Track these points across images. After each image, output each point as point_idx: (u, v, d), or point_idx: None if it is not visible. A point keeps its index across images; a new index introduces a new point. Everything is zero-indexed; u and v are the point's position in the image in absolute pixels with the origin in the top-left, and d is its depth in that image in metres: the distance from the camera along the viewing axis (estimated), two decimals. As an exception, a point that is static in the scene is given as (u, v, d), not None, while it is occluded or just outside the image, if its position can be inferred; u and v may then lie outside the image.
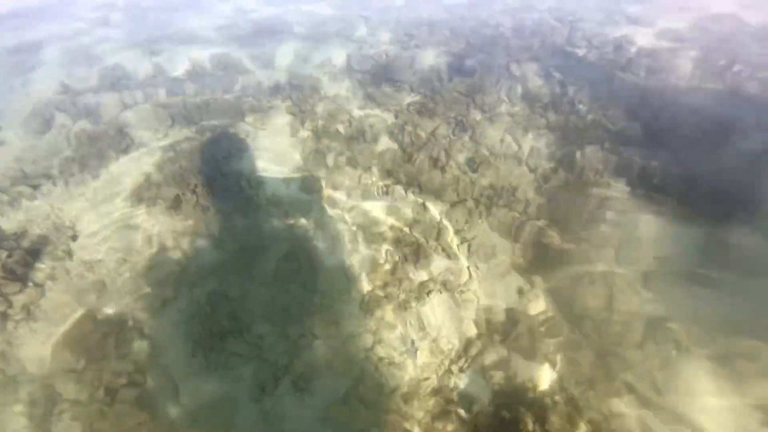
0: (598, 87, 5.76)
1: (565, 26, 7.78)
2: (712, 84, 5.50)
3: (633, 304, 3.39)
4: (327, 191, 4.59)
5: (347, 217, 4.31)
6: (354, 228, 4.18)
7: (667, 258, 3.64)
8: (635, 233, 3.87)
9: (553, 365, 3.12)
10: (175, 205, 4.32)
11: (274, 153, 5.14)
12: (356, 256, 3.93)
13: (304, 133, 5.46)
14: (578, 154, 4.68)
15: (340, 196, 4.54)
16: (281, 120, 5.72)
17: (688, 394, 2.83)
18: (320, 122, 5.63)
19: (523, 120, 5.35)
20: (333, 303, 3.55)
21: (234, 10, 10.08)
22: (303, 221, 4.25)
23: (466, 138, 5.17)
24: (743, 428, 2.65)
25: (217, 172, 4.78)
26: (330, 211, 4.37)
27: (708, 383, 2.86)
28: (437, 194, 4.47)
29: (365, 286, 3.70)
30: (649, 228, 3.89)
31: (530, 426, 2.75)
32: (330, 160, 4.99)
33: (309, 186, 4.63)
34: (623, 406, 2.85)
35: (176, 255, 3.91)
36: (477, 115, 5.54)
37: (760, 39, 6.51)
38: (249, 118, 5.76)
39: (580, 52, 6.82)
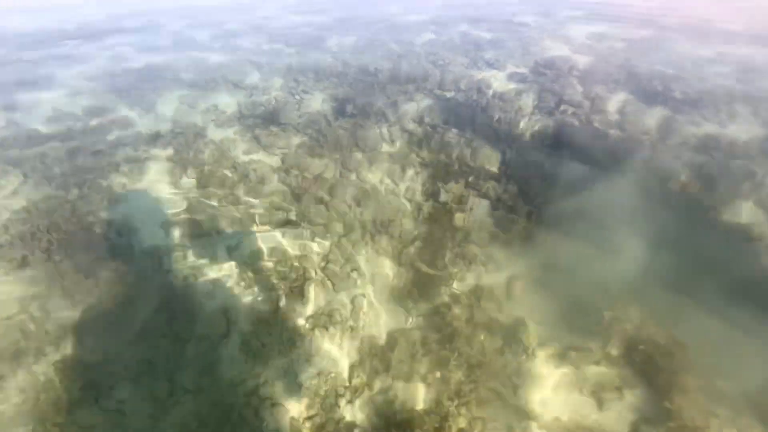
0: (464, 126, 6.59)
1: (438, 70, 8.84)
2: (547, 121, 6.65)
3: (493, 314, 3.81)
4: (210, 233, 4.50)
5: (231, 257, 4.25)
6: (238, 268, 4.13)
7: (520, 270, 4.19)
8: (493, 253, 4.40)
9: (428, 384, 3.32)
10: (22, 265, 3.85)
11: (151, 201, 4.91)
12: (239, 296, 3.86)
13: (187, 180, 5.32)
14: (446, 188, 5.25)
15: (223, 236, 4.47)
16: (161, 168, 5.51)
17: (535, 390, 3.22)
18: (205, 168, 5.55)
19: (400, 158, 5.87)
20: (210, 350, 3.42)
21: (112, 58, 9.61)
22: (180, 267, 4.08)
23: (351, 176, 5.51)
24: (580, 414, 3.06)
25: (79, 226, 4.40)
26: (212, 253, 4.27)
27: (548, 378, 3.29)
28: (325, 228, 4.64)
29: (247, 327, 3.63)
30: (505, 247, 4.46)
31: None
32: (215, 202, 4.92)
33: (189, 230, 4.49)
34: (491, 412, 3.13)
35: (21, 322, 3.45)
36: (359, 155, 5.95)
37: (581, 79, 8.08)
38: (124, 168, 5.45)
39: (449, 93, 7.78)
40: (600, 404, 3.03)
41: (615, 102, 7.07)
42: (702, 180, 5.03)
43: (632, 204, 4.78)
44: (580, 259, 4.15)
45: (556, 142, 6.09)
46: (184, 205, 4.87)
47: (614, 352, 3.26)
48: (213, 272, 4.08)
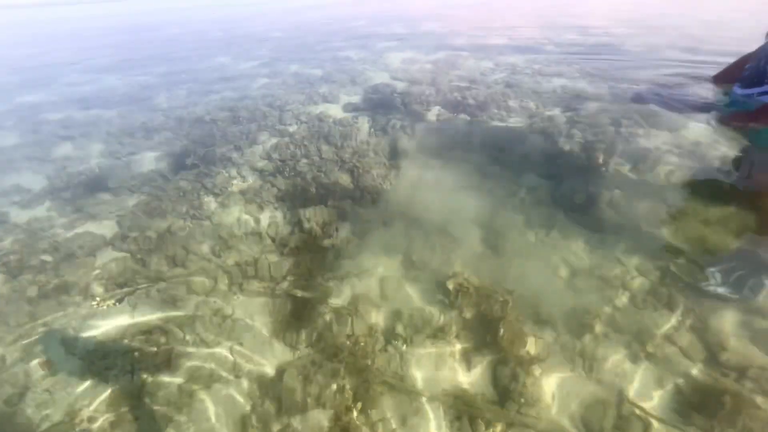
0: (312, 155, 6.93)
1: (276, 110, 9.11)
2: (382, 137, 7.52)
3: (373, 317, 4.09)
4: (35, 335, 3.72)
5: (71, 351, 3.60)
6: (80, 365, 3.51)
7: (388, 272, 4.60)
8: (363, 262, 4.72)
9: (323, 405, 3.37)
10: None
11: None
12: (84, 395, 3.29)
13: (-13, 280, 4.32)
14: (306, 214, 5.44)
15: (52, 335, 3.75)
16: (-57, 275, 4.34)
17: (418, 374, 3.57)
18: (12, 257, 4.58)
19: (255, 196, 5.86)
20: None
21: None
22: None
23: (204, 226, 5.24)
24: (457, 379, 3.51)
25: None
26: (44, 356, 3.54)
27: (427, 358, 3.69)
28: (186, 289, 4.30)
29: (107, 424, 3.12)
30: (371, 254, 4.84)
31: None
32: (33, 293, 4.10)
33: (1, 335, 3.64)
34: (386, 408, 3.34)
35: None
36: (210, 203, 5.72)
37: (403, 98, 9.35)
38: None
39: (292, 128, 8.09)
40: (468, 365, 3.53)
41: (432, 114, 8.40)
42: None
43: (450, 187, 5.72)
44: (427, 246, 4.77)
45: (394, 153, 6.91)
46: (-12, 310, 3.94)
47: (468, 316, 3.84)
48: (43, 378, 3.40)
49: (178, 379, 3.50)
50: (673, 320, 3.68)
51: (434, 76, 11.01)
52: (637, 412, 3.03)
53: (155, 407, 3.27)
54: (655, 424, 2.95)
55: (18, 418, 3.16)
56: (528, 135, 7.13)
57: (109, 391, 3.35)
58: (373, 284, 4.43)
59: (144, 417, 3.19)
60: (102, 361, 3.55)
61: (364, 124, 8.08)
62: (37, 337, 3.76)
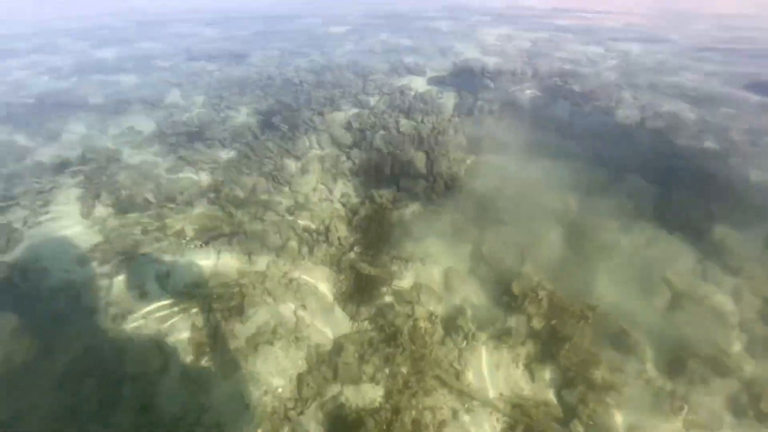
0: (389, 127, 6.81)
1: (360, 78, 9.05)
2: (468, 119, 7.11)
3: (433, 306, 3.98)
4: (135, 263, 4.19)
5: (161, 285, 4.00)
6: (170, 296, 3.90)
7: (454, 262, 4.42)
8: (428, 248, 4.58)
9: (377, 382, 3.39)
10: None
11: (60, 235, 4.47)
12: (174, 325, 3.65)
13: (102, 209, 4.92)
14: (379, 190, 5.39)
15: (150, 264, 4.19)
16: (70, 198, 5.04)
17: (475, 374, 3.42)
18: (122, 193, 5.17)
19: (332, 165, 5.93)
20: (147, 388, 3.20)
21: (4, 84, 8.63)
22: (103, 303, 3.76)
23: (283, 189, 5.45)
24: (518, 387, 3.31)
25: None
26: (140, 283, 3.98)
27: (487, 359, 3.51)
28: (261, 243, 4.53)
29: (185, 357, 3.45)
30: (438, 240, 4.67)
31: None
32: (137, 228, 4.60)
33: (110, 262, 4.15)
34: (438, 399, 3.27)
35: None
36: (291, 166, 5.90)
37: (494, 78, 8.73)
38: (24, 201, 4.90)
39: (374, 99, 7.99)
40: (532, 376, 3.30)
41: (526, 97, 7.74)
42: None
43: (547, 185, 5.25)
44: (501, 240, 4.47)
45: (477, 136, 6.52)
46: (100, 237, 4.50)
47: (537, 326, 3.56)
48: (142, 304, 3.82)
49: (247, 329, 3.73)
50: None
51: (532, 56, 10.11)
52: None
53: (225, 351, 3.53)
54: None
55: (120, 334, 3.60)
56: (639, 132, 6.26)
57: (189, 325, 3.68)
58: (437, 273, 4.29)
59: (216, 358, 3.46)
60: (186, 299, 3.90)
61: (448, 100, 7.71)
62: (136, 267, 4.22)
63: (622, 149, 5.86)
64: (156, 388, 3.22)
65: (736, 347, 3.26)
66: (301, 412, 3.23)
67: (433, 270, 4.34)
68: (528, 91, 8.02)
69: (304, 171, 5.78)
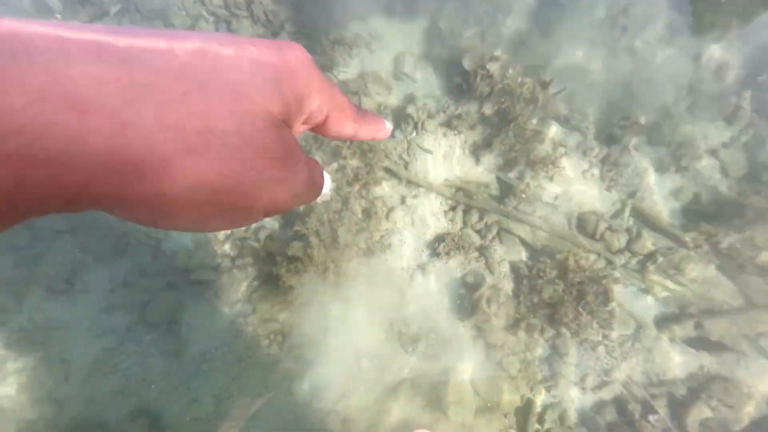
0: None
1: None
2: None
3: (382, 97, 3.67)
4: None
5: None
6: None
7: (406, 45, 3.82)
8: (376, 27, 3.86)
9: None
10: None
11: None
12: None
13: None
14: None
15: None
16: None
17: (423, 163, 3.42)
18: None
19: None
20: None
21: None
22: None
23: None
24: (463, 171, 3.37)
25: None
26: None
27: (435, 147, 3.45)
28: (163, 21, 3.76)
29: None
30: (388, 19, 3.90)
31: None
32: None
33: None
34: (386, 189, 3.39)
35: None
36: None
37: None
38: None
39: None
40: (477, 160, 3.34)
41: None
42: None
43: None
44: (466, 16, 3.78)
45: None
46: None
47: (488, 111, 3.37)
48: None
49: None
50: (729, 134, 3.16)
51: None
52: (636, 220, 3.00)
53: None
54: (648, 233, 2.94)
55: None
56: None
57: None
58: (387, 60, 3.79)
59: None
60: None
61: None
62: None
63: None
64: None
65: (678, 106, 3.20)
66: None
67: (382, 55, 3.82)
68: None
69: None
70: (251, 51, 0.31)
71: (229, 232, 2.93)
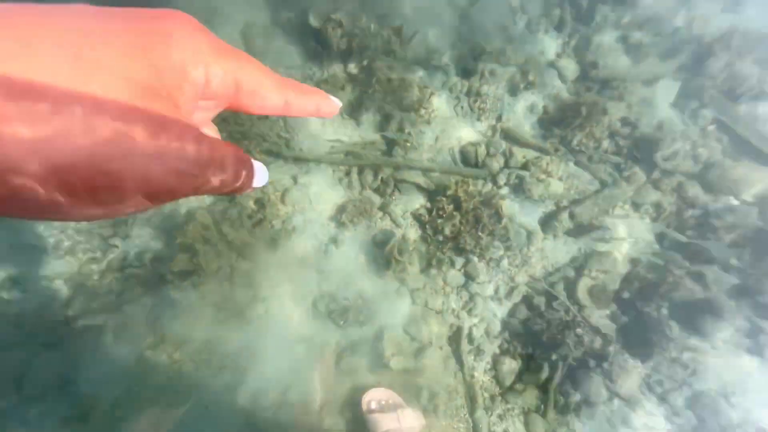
0: None
1: None
2: None
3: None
4: None
5: None
6: None
7: (252, 15, 3.52)
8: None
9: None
10: None
11: None
12: None
13: None
14: None
15: None
16: None
17: (305, 136, 3.30)
18: None
19: None
20: None
21: None
22: None
23: None
24: (347, 135, 3.33)
25: None
26: None
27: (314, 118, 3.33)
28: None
29: None
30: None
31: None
32: None
33: None
34: (274, 172, 3.21)
35: None
36: None
37: None
38: None
39: None
40: (357, 122, 3.32)
41: None
42: None
43: None
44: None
45: None
46: None
47: (353, 70, 3.33)
48: None
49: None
50: (561, 41, 3.59)
51: None
52: (506, 140, 3.31)
53: None
54: (519, 149, 3.28)
55: None
56: None
57: None
58: (235, 35, 3.48)
59: None
60: None
61: None
62: None
63: None
64: None
65: (517, 27, 3.53)
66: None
67: (227, 31, 3.49)
68: None
69: None
70: (117, 19, 0.29)
71: (104, 266, 2.55)
